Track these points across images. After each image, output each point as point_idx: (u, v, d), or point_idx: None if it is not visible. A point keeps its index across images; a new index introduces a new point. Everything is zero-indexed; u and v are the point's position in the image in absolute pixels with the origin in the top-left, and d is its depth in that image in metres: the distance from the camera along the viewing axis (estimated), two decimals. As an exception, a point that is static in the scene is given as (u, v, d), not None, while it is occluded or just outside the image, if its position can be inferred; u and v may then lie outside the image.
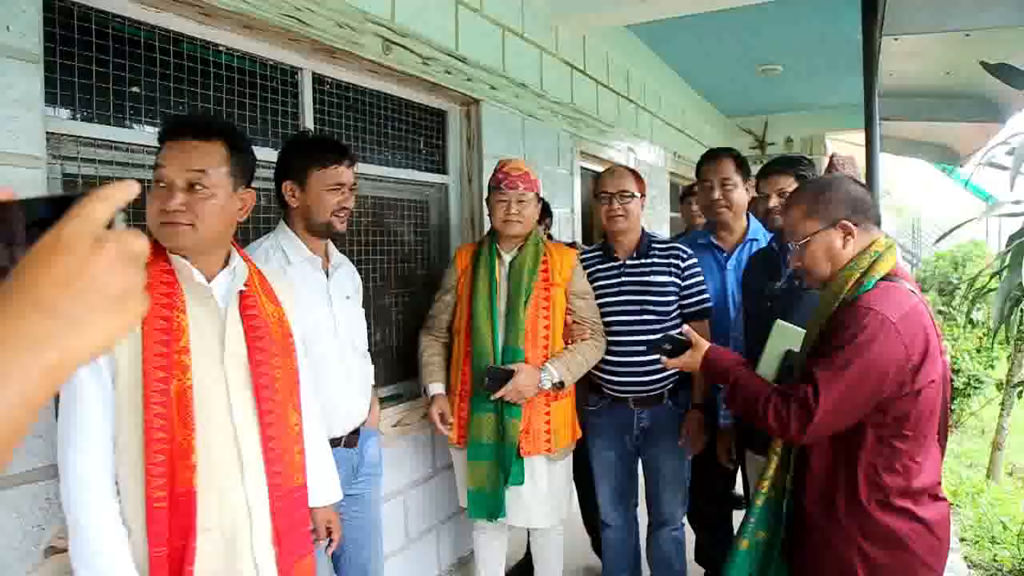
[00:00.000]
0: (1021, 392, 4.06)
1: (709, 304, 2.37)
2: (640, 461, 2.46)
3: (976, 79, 3.68)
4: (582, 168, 4.25)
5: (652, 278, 2.32)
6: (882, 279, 1.47)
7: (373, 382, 2.08)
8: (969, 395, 5.57)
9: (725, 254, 2.58)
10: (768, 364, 1.71)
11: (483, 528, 2.43)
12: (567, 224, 3.99)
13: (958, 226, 4.10)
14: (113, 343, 0.44)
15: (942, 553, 1.47)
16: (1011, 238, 3.25)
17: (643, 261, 2.35)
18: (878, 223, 1.56)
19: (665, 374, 2.30)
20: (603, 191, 2.35)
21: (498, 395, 2.15)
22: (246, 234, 2.10)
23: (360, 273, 2.12)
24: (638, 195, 2.34)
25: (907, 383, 1.39)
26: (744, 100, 7.15)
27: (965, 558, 3.27)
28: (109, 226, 0.43)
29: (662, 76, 5.72)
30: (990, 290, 3.92)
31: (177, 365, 1.24)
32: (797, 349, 1.65)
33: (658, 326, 2.29)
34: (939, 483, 1.49)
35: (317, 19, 2.17)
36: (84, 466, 1.19)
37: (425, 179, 3.00)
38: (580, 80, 4.15)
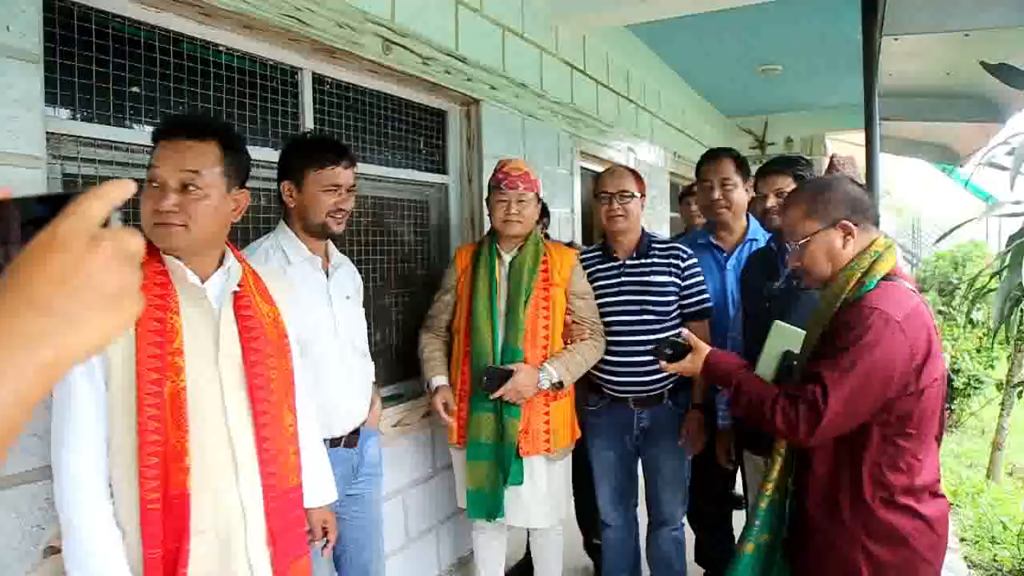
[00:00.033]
0: (1021, 392, 4.06)
1: (709, 304, 2.36)
2: (640, 461, 2.46)
3: (976, 79, 3.68)
4: (582, 168, 4.25)
5: (652, 278, 2.32)
6: (883, 279, 1.48)
7: (374, 379, 2.09)
8: (969, 395, 5.57)
9: (725, 254, 2.58)
10: (766, 364, 1.71)
11: (483, 528, 2.43)
12: (567, 224, 3.99)
13: (958, 226, 4.10)
14: (109, 342, 0.44)
15: (941, 549, 1.48)
16: (1011, 238, 3.26)
17: (643, 261, 2.35)
18: (876, 223, 1.57)
19: (665, 374, 2.30)
20: (603, 191, 2.35)
21: (497, 395, 2.15)
22: (246, 234, 2.11)
23: (360, 273, 2.12)
24: (638, 195, 2.34)
25: (911, 382, 1.40)
26: (744, 100, 7.15)
27: (965, 558, 3.27)
28: (105, 225, 0.43)
29: (662, 76, 5.72)
30: (990, 290, 3.92)
31: (171, 367, 1.23)
32: (796, 350, 1.64)
33: (658, 326, 2.30)
34: (939, 480, 1.50)
35: (317, 19, 2.17)
36: (77, 466, 1.19)
37: (425, 179, 3.00)
38: (580, 80, 4.15)
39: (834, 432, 1.42)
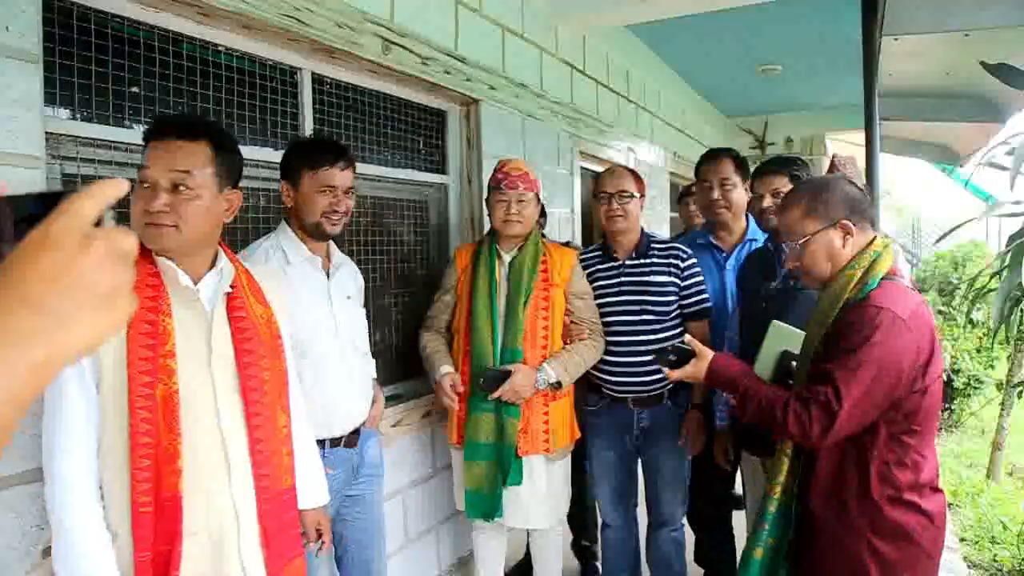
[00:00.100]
0: (1021, 392, 4.06)
1: (709, 304, 2.36)
2: (640, 461, 2.46)
3: (976, 79, 3.68)
4: (582, 168, 4.25)
5: (651, 278, 2.31)
6: (883, 278, 1.48)
7: (375, 376, 2.08)
8: (969, 395, 5.57)
9: (724, 254, 2.58)
10: (764, 365, 1.71)
11: (482, 528, 2.43)
12: (567, 224, 3.99)
13: (958, 226, 4.10)
14: (101, 341, 0.44)
15: (941, 543, 1.50)
16: (1011, 238, 3.26)
17: (642, 261, 2.35)
18: (873, 223, 1.57)
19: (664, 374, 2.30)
20: (602, 191, 2.35)
21: (495, 396, 2.15)
22: (246, 234, 2.11)
23: (360, 273, 2.12)
24: (637, 195, 2.34)
25: (918, 379, 1.41)
26: (744, 100, 7.15)
27: (965, 558, 3.27)
28: (98, 224, 0.43)
29: (662, 76, 5.72)
30: (990, 290, 3.92)
31: (163, 369, 1.23)
32: (794, 350, 1.64)
33: (658, 326, 2.30)
34: (938, 475, 1.51)
35: (316, 19, 2.17)
36: (68, 468, 1.19)
37: (425, 179, 3.00)
38: (580, 80, 4.15)
39: (847, 432, 1.42)
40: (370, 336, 2.13)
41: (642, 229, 2.41)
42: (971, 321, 5.70)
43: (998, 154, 3.66)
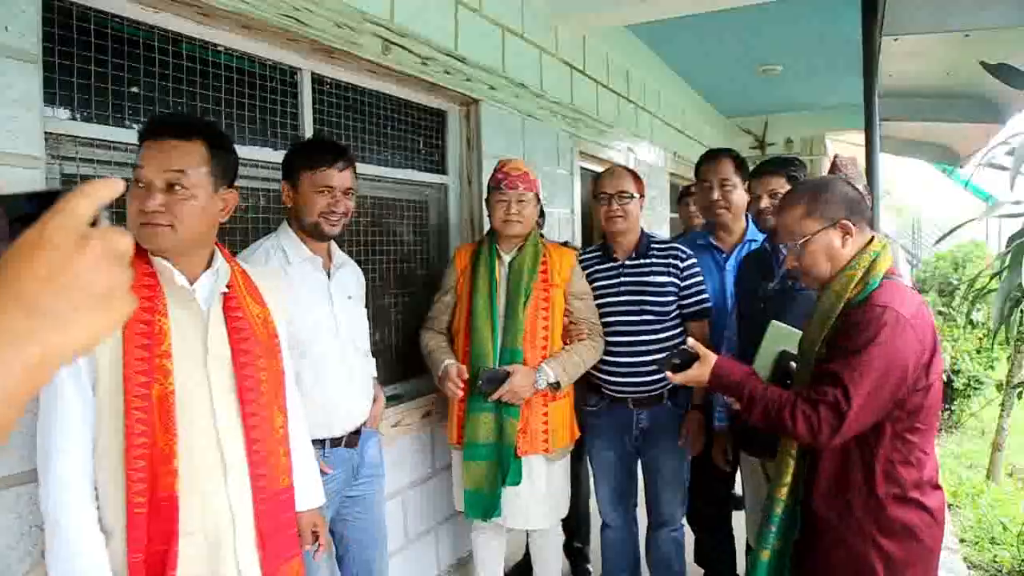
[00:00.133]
0: (1021, 393, 4.06)
1: (708, 304, 2.36)
2: (640, 462, 2.46)
3: (976, 79, 3.68)
4: (582, 168, 4.25)
5: (651, 278, 2.31)
6: (883, 277, 1.48)
7: (376, 374, 2.08)
8: (969, 396, 5.57)
9: (724, 255, 2.58)
10: (762, 365, 1.71)
11: (482, 528, 2.43)
12: (567, 224, 3.99)
13: (958, 226, 4.10)
14: (98, 341, 0.44)
15: (940, 538, 1.51)
16: (1011, 238, 3.26)
17: (642, 261, 2.35)
18: (871, 224, 1.57)
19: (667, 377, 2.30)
20: (602, 192, 2.35)
21: (494, 397, 2.15)
22: (246, 234, 2.11)
23: (358, 273, 2.12)
24: (637, 196, 2.34)
25: (922, 377, 1.42)
26: (744, 100, 7.15)
27: (965, 559, 3.26)
28: (93, 224, 0.43)
29: (662, 76, 5.72)
30: (990, 291, 3.92)
31: (159, 369, 1.22)
32: (793, 350, 1.64)
33: (658, 326, 2.30)
34: (938, 472, 1.52)
35: (316, 19, 2.17)
36: (64, 467, 1.18)
37: (424, 179, 3.00)
38: (580, 80, 4.15)
39: (855, 431, 1.42)
40: (370, 336, 2.13)
41: (642, 229, 2.41)
42: (971, 322, 5.70)
43: (998, 154, 3.66)
